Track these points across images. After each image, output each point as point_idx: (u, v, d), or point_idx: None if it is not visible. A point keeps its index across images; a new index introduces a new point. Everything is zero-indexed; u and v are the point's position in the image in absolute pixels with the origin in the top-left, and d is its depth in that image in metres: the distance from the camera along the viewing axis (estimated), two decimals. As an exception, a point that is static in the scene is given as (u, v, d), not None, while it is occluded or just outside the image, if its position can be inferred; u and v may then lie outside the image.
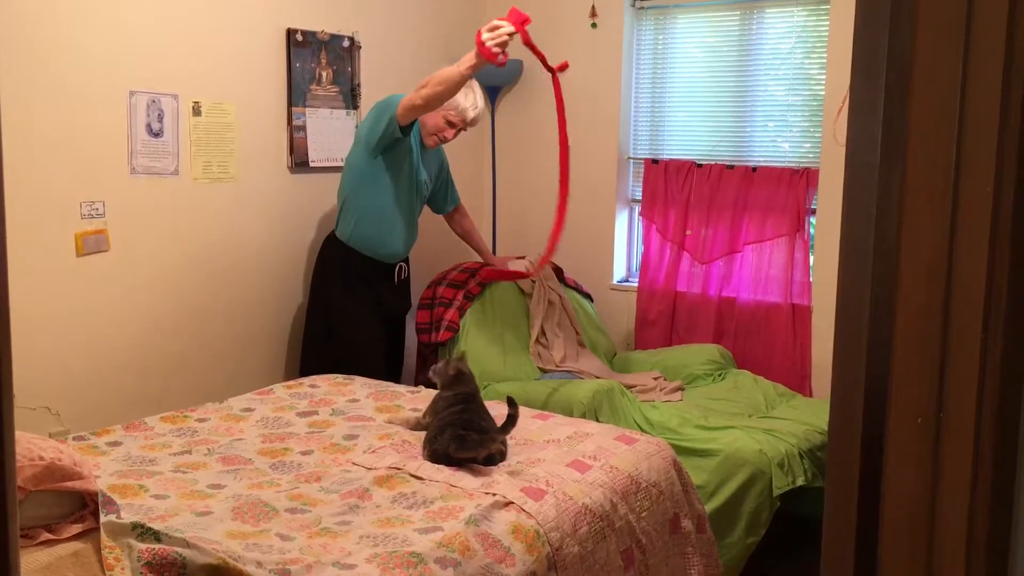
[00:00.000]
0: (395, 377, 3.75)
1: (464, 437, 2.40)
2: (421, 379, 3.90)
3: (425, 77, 3.31)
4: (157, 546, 1.70)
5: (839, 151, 3.46)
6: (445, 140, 3.56)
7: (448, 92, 3.17)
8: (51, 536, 1.78)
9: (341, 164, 3.75)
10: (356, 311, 3.53)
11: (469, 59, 3.02)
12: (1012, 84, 0.87)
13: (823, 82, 3.76)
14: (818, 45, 3.85)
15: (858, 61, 0.99)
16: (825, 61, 3.75)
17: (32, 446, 1.77)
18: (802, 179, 3.83)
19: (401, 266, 3.67)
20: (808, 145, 3.92)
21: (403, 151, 3.46)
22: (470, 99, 3.47)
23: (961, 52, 0.90)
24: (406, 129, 3.36)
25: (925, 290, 0.92)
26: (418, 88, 3.23)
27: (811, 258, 3.86)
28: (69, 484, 1.78)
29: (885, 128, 0.95)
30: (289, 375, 3.75)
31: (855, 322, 0.99)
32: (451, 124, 3.48)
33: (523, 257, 4.13)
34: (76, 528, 1.81)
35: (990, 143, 0.87)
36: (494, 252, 4.48)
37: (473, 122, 3.52)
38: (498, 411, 2.85)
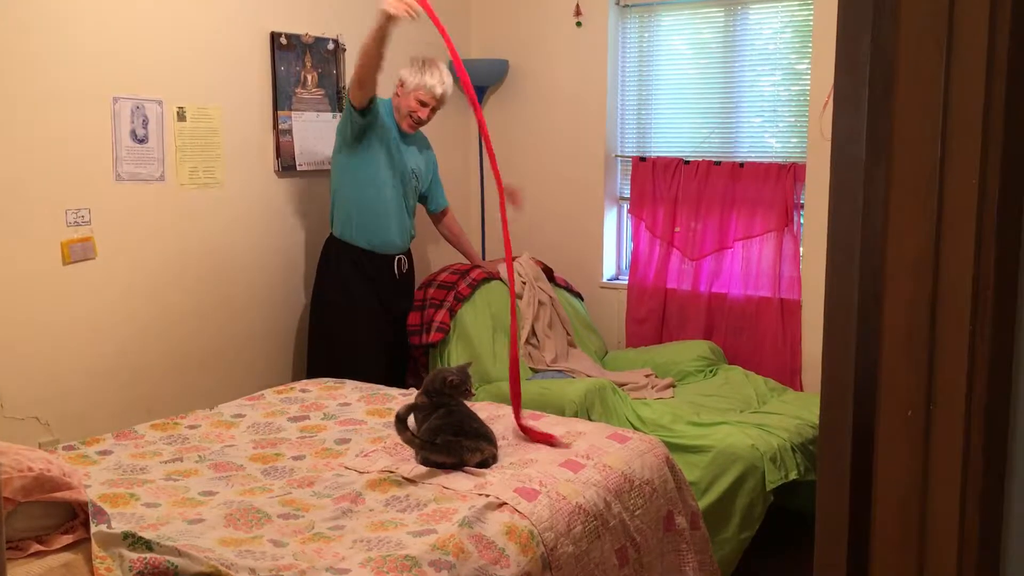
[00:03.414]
0: (399, 376, 3.76)
1: (453, 444, 2.40)
2: (412, 381, 3.90)
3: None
4: (148, 555, 1.69)
5: (825, 146, 3.47)
6: (421, 121, 3.60)
7: (369, 57, 3.23)
8: (41, 547, 1.76)
9: (328, 167, 3.76)
10: (355, 310, 3.55)
11: (377, 19, 3.12)
12: (995, 78, 0.87)
13: (808, 76, 3.77)
14: (803, 39, 3.86)
15: (841, 58, 0.99)
16: (810, 55, 3.76)
17: (21, 457, 1.75)
18: (789, 174, 3.84)
19: (400, 259, 3.69)
20: (795, 140, 3.94)
21: (379, 139, 3.51)
22: (435, 76, 3.52)
23: (944, 47, 0.90)
24: (365, 112, 3.41)
25: (912, 284, 0.93)
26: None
27: (801, 252, 3.87)
28: (59, 495, 1.77)
29: (870, 124, 0.95)
30: (279, 379, 3.73)
31: (843, 317, 0.99)
32: (423, 103, 3.54)
33: (515, 258, 4.13)
34: (67, 539, 1.79)
35: (974, 137, 0.87)
36: (483, 254, 4.48)
37: (443, 98, 3.57)
38: (490, 412, 2.85)
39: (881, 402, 0.95)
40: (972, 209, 0.88)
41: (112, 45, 3.09)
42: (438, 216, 3.97)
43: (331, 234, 3.65)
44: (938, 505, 0.92)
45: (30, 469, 1.71)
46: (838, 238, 0.99)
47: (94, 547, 1.75)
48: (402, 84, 3.55)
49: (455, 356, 3.67)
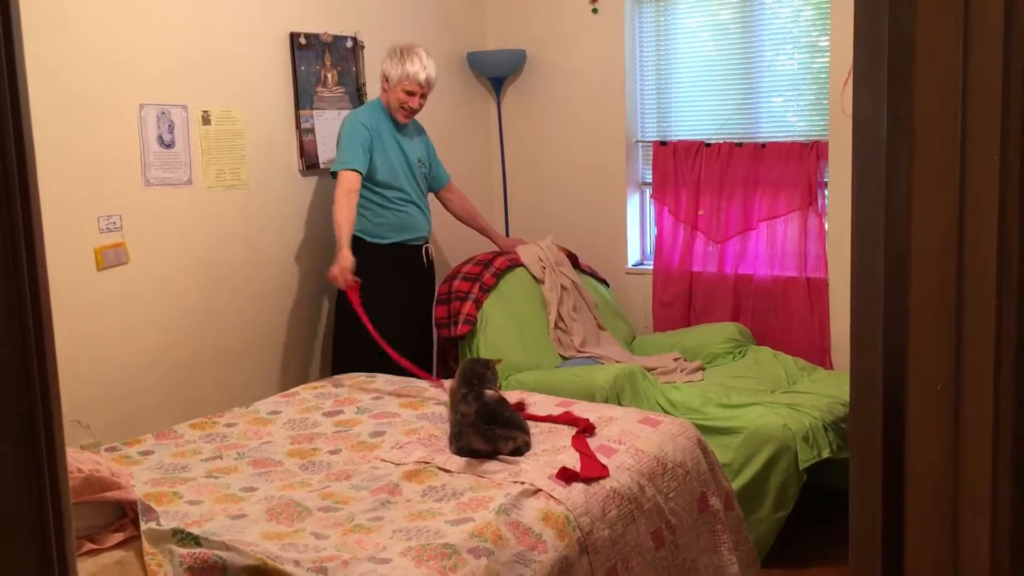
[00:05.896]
0: (423, 367, 3.80)
1: (487, 432, 2.43)
2: (442, 373, 3.94)
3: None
4: (197, 550, 1.73)
5: (848, 122, 3.45)
6: (414, 110, 3.65)
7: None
8: (94, 546, 1.82)
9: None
10: (387, 304, 3.58)
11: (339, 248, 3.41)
12: (1013, 54, 0.88)
13: (828, 52, 3.75)
14: (823, 14, 3.83)
15: (860, 39, 1.00)
16: (829, 31, 3.73)
17: (70, 459, 1.81)
18: (812, 152, 3.83)
19: (428, 247, 3.78)
20: (817, 118, 3.91)
21: (380, 151, 3.60)
22: (416, 64, 3.56)
23: (961, 25, 0.91)
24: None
25: (938, 261, 0.94)
26: (340, 196, 3.47)
27: (826, 229, 3.85)
28: (108, 494, 1.82)
29: (890, 104, 0.96)
30: (310, 376, 3.79)
31: (871, 295, 1.00)
32: (410, 93, 3.59)
33: (537, 243, 4.14)
34: (118, 537, 1.85)
35: (994, 114, 0.88)
36: (506, 232, 4.50)
37: (428, 82, 3.61)
38: (519, 400, 2.88)
39: (910, 378, 0.96)
40: (995, 185, 0.89)
41: (135, 54, 3.14)
42: (444, 192, 3.97)
43: (354, 234, 3.67)
44: (970, 477, 0.94)
45: (79, 470, 1.77)
46: (863, 219, 1.00)
47: (145, 544, 1.80)
48: (386, 79, 3.59)
49: (483, 347, 3.70)
